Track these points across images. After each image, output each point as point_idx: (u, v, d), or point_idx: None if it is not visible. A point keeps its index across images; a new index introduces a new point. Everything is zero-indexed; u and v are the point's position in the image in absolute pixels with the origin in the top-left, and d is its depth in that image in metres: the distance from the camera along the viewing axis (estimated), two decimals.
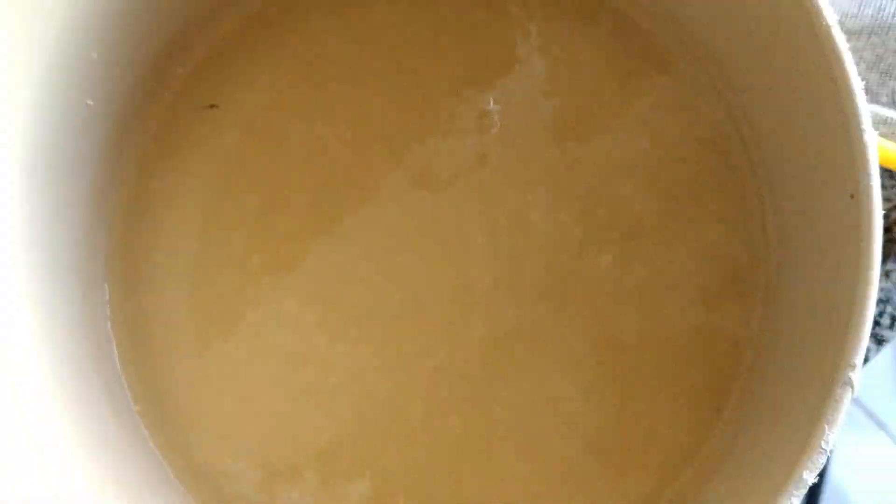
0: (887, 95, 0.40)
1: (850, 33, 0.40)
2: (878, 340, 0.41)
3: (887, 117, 0.39)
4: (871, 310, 0.26)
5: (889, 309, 0.41)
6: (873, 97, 0.40)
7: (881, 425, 1.13)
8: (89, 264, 0.38)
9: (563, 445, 0.37)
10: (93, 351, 0.37)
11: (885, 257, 0.41)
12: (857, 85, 0.27)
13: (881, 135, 0.39)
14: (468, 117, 0.38)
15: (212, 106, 0.39)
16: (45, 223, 0.35)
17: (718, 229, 0.37)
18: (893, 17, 0.39)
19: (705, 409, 0.36)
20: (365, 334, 0.38)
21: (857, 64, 0.28)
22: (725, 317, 0.37)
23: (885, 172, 0.40)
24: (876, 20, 0.40)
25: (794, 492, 0.26)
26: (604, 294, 0.37)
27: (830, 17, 0.27)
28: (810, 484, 0.26)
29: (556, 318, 0.38)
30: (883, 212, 0.27)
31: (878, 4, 0.40)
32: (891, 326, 0.41)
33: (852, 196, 0.27)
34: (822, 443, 0.26)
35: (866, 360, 0.28)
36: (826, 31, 0.27)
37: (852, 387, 0.26)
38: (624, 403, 0.37)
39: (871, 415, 1.14)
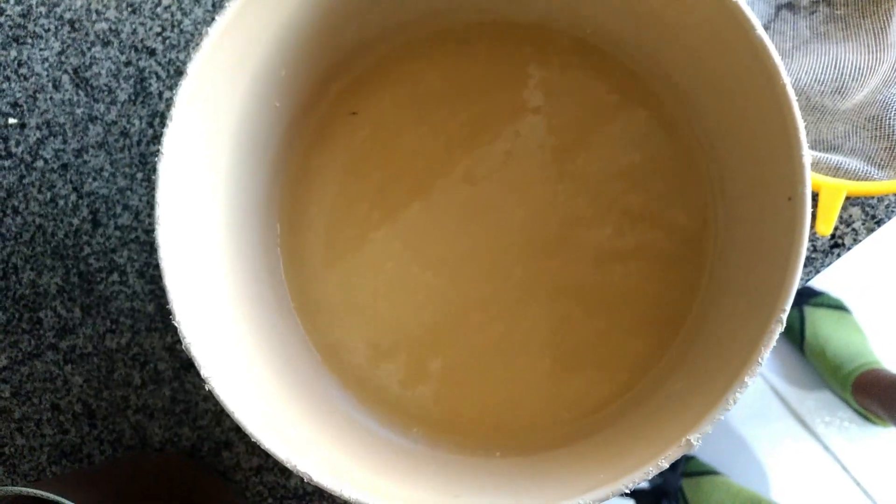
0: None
1: None
2: None
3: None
4: (799, 273, 0.25)
5: None
6: None
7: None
8: (267, 212, 0.37)
9: (566, 347, 0.36)
10: (267, 268, 0.37)
11: None
12: (801, 123, 0.25)
13: None
14: (517, 126, 0.37)
15: (353, 113, 0.38)
16: (241, 184, 0.35)
17: (683, 213, 0.36)
18: (805, 85, 0.38)
19: (666, 331, 0.35)
20: (444, 268, 0.37)
21: None
22: (683, 272, 0.36)
23: None
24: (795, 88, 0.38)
25: (739, 390, 0.25)
26: (603, 253, 0.36)
27: (786, 77, 0.26)
28: (749, 387, 0.25)
29: (570, 266, 0.37)
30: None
31: (796, 76, 0.38)
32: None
33: (790, 198, 0.26)
34: (760, 359, 0.25)
35: None
36: (783, 87, 0.26)
37: (782, 324, 0.25)
38: (609, 325, 0.36)
39: None
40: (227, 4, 0.28)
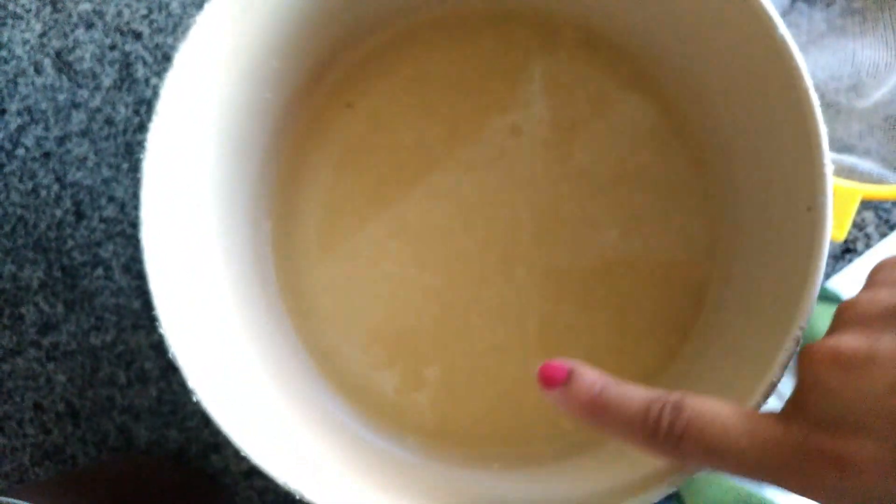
0: None
1: None
2: None
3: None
4: (817, 288, 0.24)
5: None
6: None
7: None
8: (258, 210, 0.36)
9: (568, 353, 0.35)
10: (257, 269, 0.35)
11: None
12: (824, 130, 0.24)
13: None
14: (520, 120, 0.36)
15: (348, 105, 0.36)
16: (230, 182, 0.33)
17: (691, 217, 0.34)
18: (820, 81, 0.37)
19: (672, 340, 0.34)
20: (443, 269, 0.36)
21: None
22: (688, 276, 0.34)
23: None
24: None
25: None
26: (609, 255, 0.35)
27: (808, 80, 0.24)
28: (764, 406, 0.24)
29: (575, 269, 0.35)
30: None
31: (811, 72, 0.37)
32: None
33: (809, 209, 0.25)
34: (774, 378, 0.24)
35: None
36: (805, 90, 0.24)
37: (798, 342, 0.24)
38: (613, 330, 0.35)
39: None
40: None
